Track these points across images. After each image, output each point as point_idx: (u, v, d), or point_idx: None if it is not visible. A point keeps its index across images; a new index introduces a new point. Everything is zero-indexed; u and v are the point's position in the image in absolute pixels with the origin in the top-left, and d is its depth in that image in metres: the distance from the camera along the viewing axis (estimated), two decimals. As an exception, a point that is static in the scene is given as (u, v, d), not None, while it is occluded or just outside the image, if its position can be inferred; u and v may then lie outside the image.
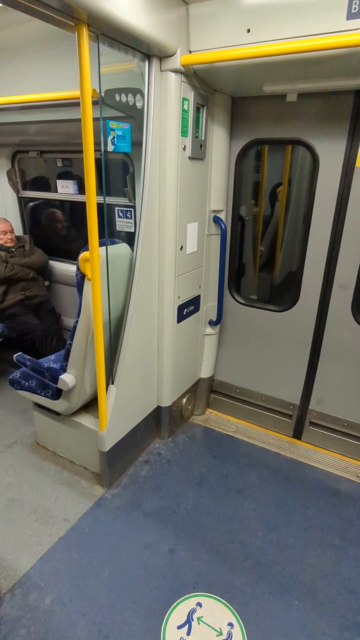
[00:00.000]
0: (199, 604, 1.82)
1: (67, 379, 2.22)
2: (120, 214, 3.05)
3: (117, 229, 3.08)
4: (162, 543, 2.10)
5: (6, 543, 2.08)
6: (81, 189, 3.48)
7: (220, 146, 2.44)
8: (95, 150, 1.73)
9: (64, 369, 2.29)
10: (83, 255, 1.96)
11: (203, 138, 2.31)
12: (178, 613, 1.78)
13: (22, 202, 3.90)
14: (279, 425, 2.94)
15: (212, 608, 1.80)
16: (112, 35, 1.67)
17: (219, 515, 2.27)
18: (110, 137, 1.83)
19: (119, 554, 2.03)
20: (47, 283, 3.83)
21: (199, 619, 1.76)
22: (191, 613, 1.78)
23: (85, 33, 1.53)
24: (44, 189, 3.85)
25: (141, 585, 1.89)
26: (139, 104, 2.08)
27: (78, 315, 2.12)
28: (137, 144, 2.09)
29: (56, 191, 3.67)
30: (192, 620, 1.75)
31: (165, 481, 2.49)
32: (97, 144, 1.77)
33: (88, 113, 1.64)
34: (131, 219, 3.05)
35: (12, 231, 3.55)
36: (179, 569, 1.96)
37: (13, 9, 1.43)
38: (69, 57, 2.34)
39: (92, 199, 1.78)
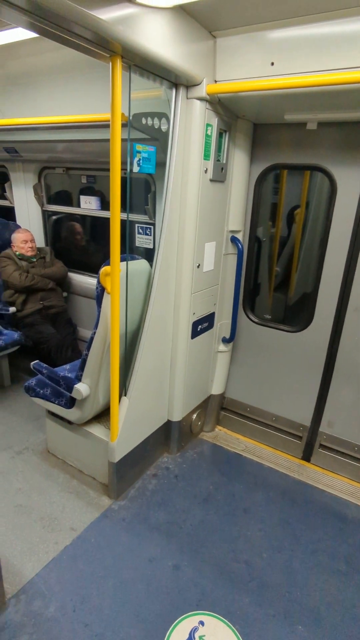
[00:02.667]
0: (202, 623, 1.81)
1: (81, 388, 2.27)
2: (140, 230, 3.14)
3: (137, 245, 3.17)
4: (167, 558, 2.10)
5: (13, 548, 2.11)
6: (103, 205, 3.60)
7: (240, 169, 2.52)
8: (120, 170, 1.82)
9: (79, 379, 2.35)
10: (104, 269, 2.03)
11: (224, 161, 2.39)
12: (180, 630, 1.78)
13: (46, 215, 4.04)
14: (288, 446, 2.93)
15: (215, 627, 1.79)
16: (143, 65, 1.77)
17: (225, 533, 2.26)
18: (136, 159, 1.92)
19: (124, 567, 2.04)
20: (65, 294, 3.93)
21: (200, 637, 1.75)
22: (193, 631, 1.77)
23: (119, 64, 1.64)
24: (65, 203, 4.00)
25: (144, 599, 1.89)
26: (163, 127, 2.19)
27: (96, 326, 2.19)
28: (160, 164, 2.18)
29: (78, 206, 3.81)
30: (194, 639, 1.74)
31: (172, 496, 2.50)
32: (123, 163, 1.86)
33: (117, 136, 1.73)
34: (150, 235, 3.15)
35: (32, 240, 3.68)
36: (183, 586, 1.96)
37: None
38: (96, 82, 2.51)
39: (116, 216, 1.86)
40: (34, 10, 1.29)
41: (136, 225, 3.15)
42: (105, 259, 3.90)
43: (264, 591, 1.95)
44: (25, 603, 1.84)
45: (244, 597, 1.92)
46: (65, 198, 4.04)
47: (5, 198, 4.19)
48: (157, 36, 1.68)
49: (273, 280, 3.23)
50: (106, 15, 1.45)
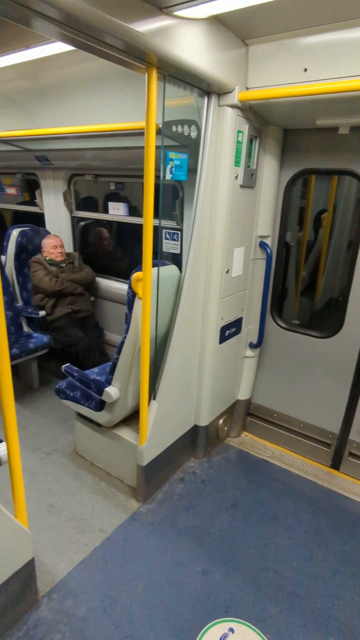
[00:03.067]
0: (232, 630, 1.80)
1: (112, 391, 2.31)
2: (167, 236, 3.17)
3: (164, 250, 3.20)
4: (195, 563, 2.10)
5: (45, 547, 2.15)
6: (131, 211, 3.66)
7: (270, 175, 2.53)
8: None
9: (109, 382, 2.39)
10: (136, 275, 2.07)
11: (254, 167, 2.40)
12: (210, 636, 1.77)
13: (74, 221, 4.13)
14: (316, 454, 2.89)
15: (245, 635, 1.78)
16: (178, 75, 1.81)
17: (253, 540, 2.25)
18: (169, 166, 1.95)
19: (153, 570, 2.05)
20: (92, 298, 4.01)
21: (231, 644, 1.74)
22: (223, 638, 1.77)
23: (154, 75, 1.68)
24: (91, 209, 4.08)
25: (174, 603, 1.90)
26: (193, 134, 2.22)
27: (126, 331, 2.23)
28: (190, 171, 2.20)
29: (103, 211, 3.88)
30: (224, 646, 1.74)
31: (200, 501, 2.50)
32: (155, 170, 1.89)
33: (152, 144, 1.77)
34: (177, 241, 3.18)
35: (62, 246, 3.77)
36: (212, 591, 1.96)
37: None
38: (125, 92, 2.56)
39: (149, 222, 1.89)
40: (75, 25, 1.34)
41: (163, 230, 3.18)
42: (132, 263, 3.97)
43: (295, 600, 1.93)
44: (57, 601, 1.88)
45: (274, 605, 1.90)
46: (91, 204, 4.13)
47: (35, 205, 4.31)
48: (191, 46, 1.71)
49: (300, 284, 3.20)
50: (143, 27, 1.49)
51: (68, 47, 2.09)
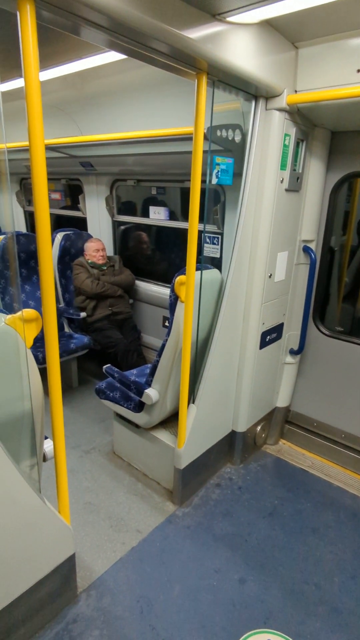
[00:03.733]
0: (270, 642, 1.76)
1: (151, 393, 2.33)
2: (208, 240, 3.18)
3: (204, 254, 3.21)
4: (232, 571, 2.07)
5: (83, 544, 2.20)
6: (172, 216, 3.69)
7: (316, 178, 2.48)
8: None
9: (149, 384, 2.41)
10: (179, 278, 2.08)
11: (300, 171, 2.37)
12: (247, 647, 1.74)
13: (116, 225, 4.22)
14: (359, 466, 2.78)
15: (284, 649, 1.74)
16: (227, 80, 1.81)
17: (292, 552, 2.19)
18: (215, 171, 1.96)
19: (189, 574, 2.04)
20: (131, 301, 4.07)
21: (269, 657, 1.70)
22: (261, 649, 1.73)
23: (204, 80, 1.69)
24: (130, 214, 4.16)
25: (210, 610, 1.88)
26: (237, 138, 2.21)
27: (168, 334, 2.24)
28: (234, 175, 2.20)
29: (142, 215, 3.94)
30: (262, 658, 1.70)
31: (237, 508, 2.47)
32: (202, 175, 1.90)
33: (199, 149, 1.78)
34: (217, 245, 3.18)
35: (103, 249, 3.86)
36: (250, 601, 1.92)
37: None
38: (170, 98, 2.60)
39: (194, 226, 1.90)
40: (128, 34, 1.37)
41: (204, 234, 3.19)
42: (170, 267, 3.99)
43: (337, 617, 1.86)
44: (95, 598, 1.91)
45: (315, 621, 1.84)
46: (130, 208, 4.21)
47: (78, 209, 4.44)
48: (241, 51, 1.71)
49: (343, 290, 3.11)
50: (196, 34, 1.50)
51: (114, 58, 2.16)
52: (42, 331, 1.46)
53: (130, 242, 4.32)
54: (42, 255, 1.33)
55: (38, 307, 3.82)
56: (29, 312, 1.42)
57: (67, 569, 1.80)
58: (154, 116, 2.78)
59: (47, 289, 1.38)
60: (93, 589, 1.95)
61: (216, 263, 3.15)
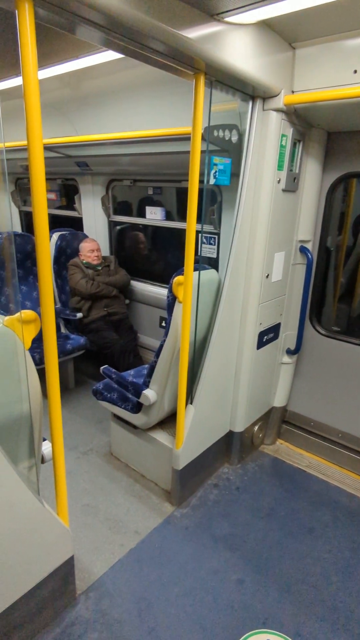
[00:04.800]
0: (269, 642, 1.76)
1: (149, 394, 2.32)
2: (205, 240, 3.18)
3: (201, 254, 3.21)
4: (231, 572, 2.07)
5: (81, 546, 2.18)
6: (168, 216, 3.69)
7: (312, 178, 2.48)
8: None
9: (146, 385, 2.40)
10: (177, 279, 2.08)
11: (297, 171, 2.37)
12: (247, 647, 1.74)
13: (111, 225, 4.21)
14: (356, 465, 2.79)
15: (283, 649, 1.74)
16: (224, 80, 1.81)
17: (290, 551, 2.20)
18: (213, 171, 1.95)
19: (188, 576, 2.04)
20: (127, 301, 4.06)
21: (269, 657, 1.70)
22: (260, 650, 1.73)
23: (202, 81, 1.69)
24: (126, 214, 4.15)
25: (209, 611, 1.88)
26: (234, 139, 2.21)
27: (165, 334, 2.24)
28: (231, 175, 2.20)
29: (137, 216, 3.93)
30: (262, 658, 1.70)
31: (235, 508, 2.47)
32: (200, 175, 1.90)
33: (197, 150, 1.78)
34: (214, 245, 3.18)
35: (98, 249, 3.84)
36: (248, 602, 1.92)
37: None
38: (166, 98, 2.59)
39: (192, 226, 1.90)
40: (126, 33, 1.36)
41: (200, 235, 3.19)
42: (166, 267, 3.98)
43: (336, 616, 1.87)
44: (94, 601, 1.90)
45: (314, 620, 1.85)
46: (125, 208, 4.19)
47: (74, 209, 4.42)
48: (239, 51, 1.71)
49: (339, 290, 3.12)
50: (194, 34, 1.50)
51: (110, 57, 2.15)
52: (39, 332, 1.45)
53: (126, 242, 4.31)
54: (41, 256, 1.32)
55: (34, 307, 3.80)
56: (27, 314, 1.41)
57: (65, 571, 1.79)
58: (150, 116, 2.77)
59: (45, 290, 1.37)
60: (92, 591, 1.94)
61: (213, 263, 3.14)
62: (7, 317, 1.42)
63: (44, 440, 1.73)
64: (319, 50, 1.93)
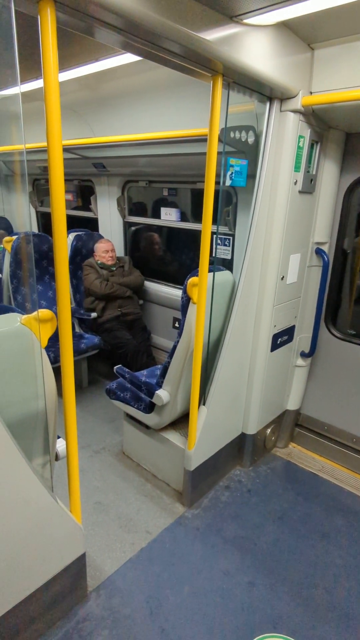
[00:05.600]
0: (280, 647, 1.75)
1: (162, 394, 2.33)
2: (219, 241, 3.18)
3: (214, 255, 3.20)
4: (242, 574, 2.06)
5: (92, 544, 2.20)
6: (183, 217, 3.70)
7: (329, 180, 2.46)
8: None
9: (159, 385, 2.41)
10: (192, 280, 2.08)
11: (314, 172, 2.35)
12: (257, 651, 1.73)
13: (126, 226, 4.24)
14: (370, 471, 2.76)
15: (294, 654, 1.72)
16: (242, 82, 1.81)
17: (302, 556, 2.18)
18: (229, 173, 1.95)
19: (198, 576, 2.04)
20: (140, 302, 4.08)
21: (279, 662, 1.69)
22: (271, 654, 1.72)
23: (219, 82, 1.69)
24: (140, 214, 4.17)
25: (220, 613, 1.87)
26: (250, 140, 2.21)
27: (179, 335, 2.24)
28: (247, 177, 2.19)
29: (152, 216, 3.94)
30: (272, 662, 1.69)
31: (246, 510, 2.46)
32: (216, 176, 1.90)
33: (214, 151, 1.78)
34: (229, 246, 3.17)
35: (113, 250, 3.87)
36: (259, 605, 1.91)
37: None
38: (183, 100, 2.61)
39: (207, 228, 1.90)
40: (144, 35, 1.37)
41: (215, 236, 3.18)
42: (180, 268, 3.98)
43: (348, 623, 1.84)
44: (105, 598, 1.91)
45: (326, 626, 1.83)
46: (140, 209, 4.22)
47: (90, 210, 4.46)
48: (257, 53, 1.70)
49: (355, 293, 3.08)
50: (212, 36, 1.50)
51: (127, 60, 2.17)
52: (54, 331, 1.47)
53: (141, 242, 4.33)
54: (59, 257, 1.34)
55: (50, 306, 3.85)
56: (44, 312, 1.43)
57: (77, 568, 1.81)
58: (167, 117, 2.78)
59: (62, 290, 1.38)
60: (102, 589, 1.96)
61: (227, 264, 3.14)
62: (24, 316, 1.45)
63: (58, 437, 1.75)
64: (339, 51, 1.91)
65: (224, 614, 1.87)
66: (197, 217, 3.67)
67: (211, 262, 2.04)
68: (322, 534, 2.32)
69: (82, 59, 2.24)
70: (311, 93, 2.06)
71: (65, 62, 2.23)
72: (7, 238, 3.59)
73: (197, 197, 3.65)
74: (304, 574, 2.07)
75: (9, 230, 5.04)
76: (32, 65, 2.35)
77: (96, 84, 2.89)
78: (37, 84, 2.51)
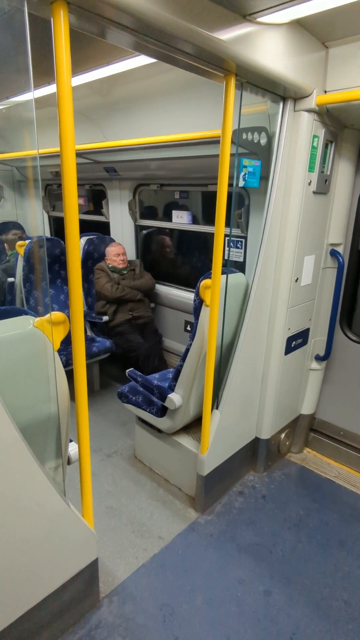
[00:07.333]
0: (297, 659, 1.70)
1: (175, 398, 2.31)
2: (232, 243, 3.15)
3: (226, 258, 3.17)
4: (257, 582, 2.02)
5: (105, 549, 2.18)
6: (194, 220, 3.68)
7: (344, 180, 2.42)
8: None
9: (172, 389, 2.39)
10: (204, 282, 2.06)
11: (328, 173, 2.31)
12: (273, 662, 1.69)
13: (138, 229, 4.24)
14: (388, 478, 2.69)
15: (312, 667, 1.67)
16: (255, 82, 1.79)
17: (319, 565, 2.12)
18: (242, 174, 1.93)
19: (212, 584, 2.00)
20: (152, 305, 4.07)
21: (297, 675, 1.64)
22: (288, 666, 1.67)
23: (232, 82, 1.67)
24: (151, 218, 4.17)
25: (235, 622, 1.83)
26: (262, 141, 2.18)
27: (192, 338, 2.22)
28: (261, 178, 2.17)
29: (165, 220, 3.94)
30: (289, 675, 1.64)
31: (260, 517, 2.41)
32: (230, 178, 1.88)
33: (227, 153, 1.76)
34: (241, 249, 3.14)
35: (124, 254, 3.87)
36: (275, 615, 1.86)
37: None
38: (194, 102, 2.59)
39: (220, 230, 1.88)
40: (156, 36, 1.36)
41: (226, 238, 3.16)
42: (192, 271, 3.96)
43: (367, 636, 1.78)
44: (118, 605, 1.89)
45: (345, 638, 1.77)
46: (152, 213, 4.22)
47: (101, 214, 4.48)
48: (271, 52, 1.68)
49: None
50: (226, 35, 1.49)
51: (138, 64, 2.17)
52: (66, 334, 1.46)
53: (152, 246, 4.33)
54: (71, 261, 1.33)
55: (62, 310, 3.85)
56: (57, 315, 1.42)
57: (90, 574, 1.79)
58: (178, 120, 2.78)
59: (75, 293, 1.38)
60: (115, 595, 1.93)
61: (239, 267, 3.11)
62: (37, 319, 1.44)
63: (71, 441, 1.74)
64: (354, 49, 1.88)
65: (240, 623, 1.82)
66: (209, 219, 3.65)
67: (224, 265, 2.02)
68: (339, 542, 2.26)
69: (93, 63, 2.25)
70: (325, 92, 2.02)
71: (76, 67, 2.24)
72: (20, 242, 3.62)
73: (209, 199, 3.63)
74: (322, 584, 2.02)
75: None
76: (43, 71, 2.38)
77: (107, 89, 2.90)
78: (49, 89, 2.53)
